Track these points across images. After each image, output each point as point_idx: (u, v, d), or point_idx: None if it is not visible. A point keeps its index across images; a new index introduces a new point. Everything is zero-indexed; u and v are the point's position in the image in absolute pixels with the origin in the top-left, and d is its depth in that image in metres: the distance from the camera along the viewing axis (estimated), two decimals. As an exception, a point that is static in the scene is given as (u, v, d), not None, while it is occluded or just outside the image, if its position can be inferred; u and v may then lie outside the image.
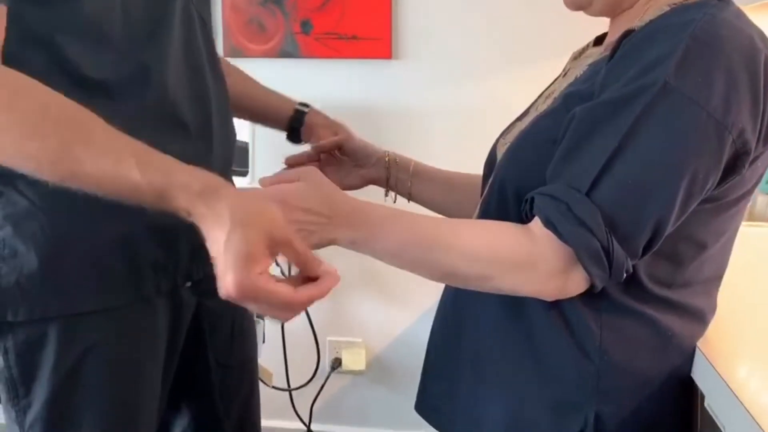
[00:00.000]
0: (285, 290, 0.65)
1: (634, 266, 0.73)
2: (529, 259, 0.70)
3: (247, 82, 1.13)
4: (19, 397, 0.82)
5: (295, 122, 1.11)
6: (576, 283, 0.70)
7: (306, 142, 1.12)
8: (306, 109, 1.11)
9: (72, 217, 0.79)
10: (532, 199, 0.71)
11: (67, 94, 0.72)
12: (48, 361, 0.81)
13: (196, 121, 0.89)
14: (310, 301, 0.67)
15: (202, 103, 0.92)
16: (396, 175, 1.03)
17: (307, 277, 0.68)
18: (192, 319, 0.95)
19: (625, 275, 0.69)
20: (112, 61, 0.80)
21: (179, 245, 0.87)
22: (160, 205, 0.66)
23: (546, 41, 1.72)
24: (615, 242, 0.67)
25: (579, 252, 0.67)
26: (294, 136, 1.12)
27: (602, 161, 0.67)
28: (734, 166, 0.69)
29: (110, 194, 0.66)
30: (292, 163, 1.04)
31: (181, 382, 0.96)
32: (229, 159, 0.99)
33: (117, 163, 0.65)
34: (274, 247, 0.65)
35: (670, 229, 0.69)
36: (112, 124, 0.74)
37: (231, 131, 1.00)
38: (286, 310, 0.66)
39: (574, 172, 0.69)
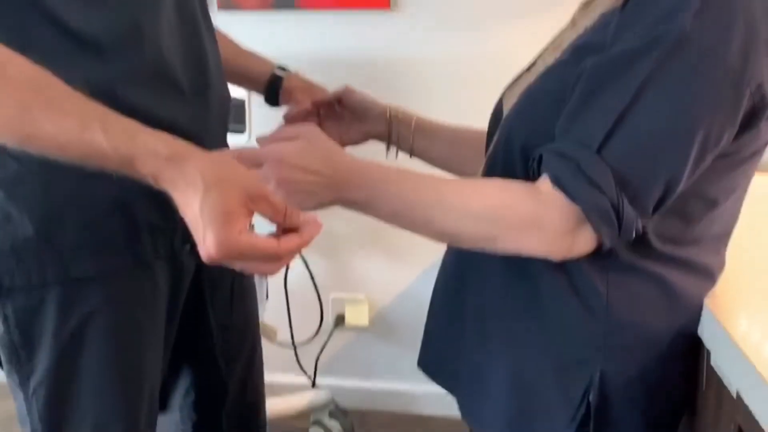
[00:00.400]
0: (268, 242, 0.65)
1: (643, 224, 0.71)
2: (535, 220, 0.68)
3: (223, 42, 1.07)
4: (21, 362, 0.82)
5: (273, 86, 1.07)
6: (584, 242, 0.69)
7: (280, 104, 1.09)
8: (283, 74, 1.07)
9: (66, 181, 0.77)
10: (540, 156, 0.69)
11: (55, 48, 0.70)
12: (49, 326, 0.80)
13: (192, 81, 0.86)
14: (296, 250, 0.67)
15: (199, 62, 0.89)
16: (398, 131, 1.01)
17: (288, 230, 0.68)
18: (192, 281, 0.94)
19: (634, 234, 0.68)
20: (102, 17, 0.77)
21: (175, 209, 0.86)
22: (126, 170, 0.65)
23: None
24: (625, 201, 0.65)
25: (588, 212, 0.66)
26: (272, 100, 1.09)
27: (614, 117, 0.65)
28: (751, 120, 0.67)
29: (73, 159, 0.64)
30: (291, 118, 1.02)
31: (182, 344, 0.96)
32: (226, 118, 0.97)
33: (81, 126, 0.63)
34: (251, 203, 0.64)
35: (682, 186, 0.67)
36: (102, 85, 0.72)
37: (227, 89, 0.97)
38: (271, 262, 0.66)
39: (584, 129, 0.66)
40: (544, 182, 0.68)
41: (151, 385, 0.89)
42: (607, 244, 0.68)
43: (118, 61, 0.77)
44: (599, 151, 0.65)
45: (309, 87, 1.07)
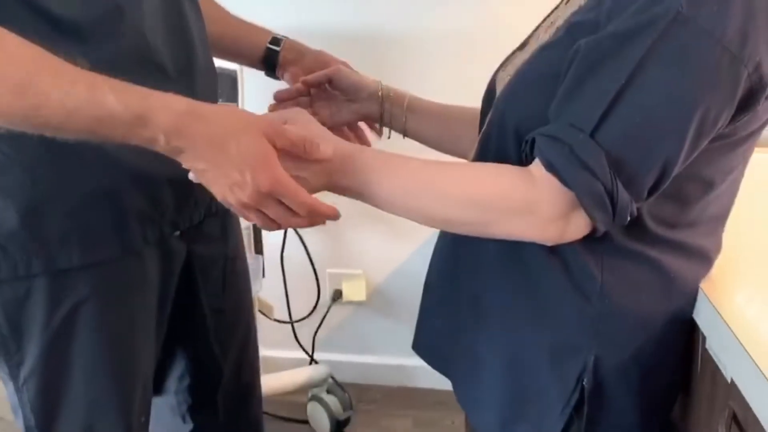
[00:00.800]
0: (307, 194, 0.68)
1: (638, 207, 0.70)
2: (528, 205, 0.67)
3: (212, 14, 1.01)
4: (11, 352, 0.81)
5: (269, 61, 1.04)
6: (577, 227, 0.68)
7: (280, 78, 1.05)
8: (278, 48, 1.03)
9: (51, 170, 0.76)
10: (533, 140, 0.67)
11: (33, 33, 0.68)
12: (38, 316, 0.80)
13: (176, 61, 0.84)
14: (328, 214, 0.70)
15: (183, 40, 0.87)
16: (390, 110, 0.99)
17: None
18: (183, 267, 0.93)
19: (629, 218, 0.66)
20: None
21: (164, 195, 0.85)
22: (138, 131, 0.63)
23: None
24: (619, 185, 0.64)
25: (582, 197, 0.64)
26: (272, 75, 1.06)
27: (608, 99, 0.63)
28: (748, 101, 0.65)
29: (80, 128, 0.63)
30: (281, 98, 1.00)
31: (175, 328, 0.96)
32: (214, 97, 0.95)
33: (90, 90, 0.62)
34: (276, 141, 0.66)
35: (678, 169, 0.66)
36: (88, 68, 0.70)
37: (213, 66, 0.95)
38: (305, 213, 0.68)
39: (578, 111, 0.65)
40: (537, 167, 0.67)
41: (144, 372, 0.89)
42: (601, 229, 0.67)
43: (98, 45, 0.75)
44: (593, 134, 0.63)
45: (305, 59, 1.03)
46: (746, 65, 0.62)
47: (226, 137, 0.64)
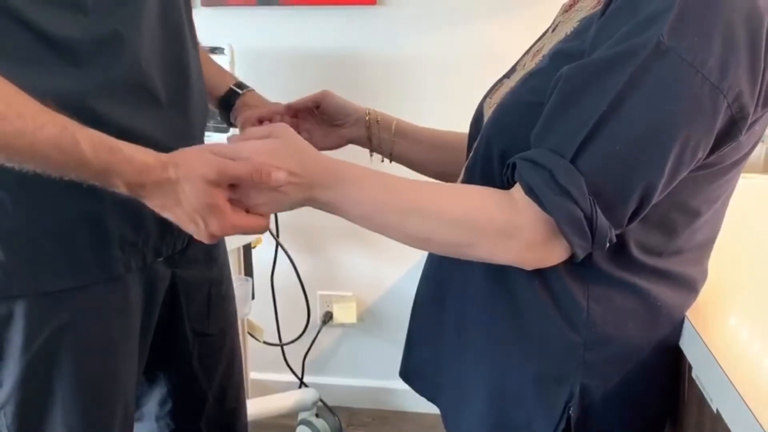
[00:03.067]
0: (252, 220, 0.73)
1: (622, 235, 0.70)
2: (508, 228, 0.67)
3: None
4: None
5: (227, 102, 1.03)
6: (557, 252, 0.67)
7: (233, 124, 1.04)
8: (240, 91, 1.03)
9: (34, 195, 0.76)
10: (514, 164, 0.67)
11: (28, 54, 0.70)
12: (17, 340, 0.79)
13: (171, 91, 0.84)
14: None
15: (180, 71, 0.87)
16: (378, 135, 0.99)
17: None
18: (167, 291, 0.92)
19: (608, 244, 0.66)
20: (81, 23, 0.74)
21: (147, 222, 0.84)
22: (100, 179, 0.68)
23: (538, -17, 1.64)
24: (599, 211, 0.64)
25: (561, 222, 0.64)
26: (224, 116, 1.05)
27: (589, 125, 0.63)
28: (730, 131, 0.65)
29: (41, 167, 0.66)
30: (265, 118, 0.99)
31: (158, 353, 0.95)
32: (203, 127, 0.95)
33: (59, 135, 0.65)
34: (220, 182, 0.69)
35: (657, 198, 0.66)
36: (73, 96, 0.72)
37: (204, 93, 0.95)
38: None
39: (558, 137, 0.65)
40: (518, 191, 0.67)
41: (125, 397, 0.88)
42: (580, 254, 0.66)
43: (93, 68, 0.75)
44: (573, 160, 0.63)
45: (261, 106, 1.01)
46: (726, 96, 0.62)
47: (176, 189, 0.69)
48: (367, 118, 0.98)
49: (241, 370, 1.10)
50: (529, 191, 0.65)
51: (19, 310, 0.78)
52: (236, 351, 1.08)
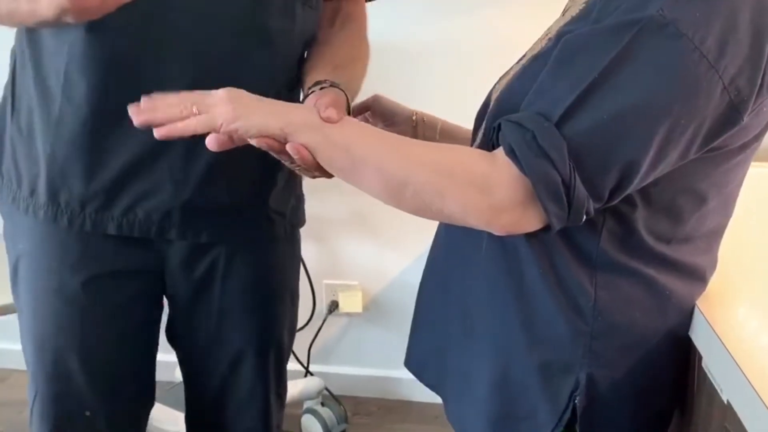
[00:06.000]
0: None
1: (630, 221, 0.69)
2: (485, 182, 0.65)
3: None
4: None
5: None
6: (531, 219, 0.65)
7: None
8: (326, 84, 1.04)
9: None
10: (500, 125, 0.66)
11: None
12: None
13: None
14: None
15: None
16: (423, 134, 0.99)
17: None
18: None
19: (585, 217, 0.64)
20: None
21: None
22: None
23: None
24: (577, 179, 0.62)
25: (537, 185, 0.62)
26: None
27: (577, 92, 0.61)
28: (729, 116, 0.63)
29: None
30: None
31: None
32: None
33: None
34: None
35: (641, 178, 0.64)
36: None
37: None
38: None
39: (547, 101, 0.63)
40: (500, 151, 0.65)
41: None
42: (555, 223, 0.64)
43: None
44: (558, 124, 0.62)
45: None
46: (722, 76, 0.60)
47: None
48: (414, 118, 0.98)
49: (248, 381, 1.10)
50: (510, 151, 0.64)
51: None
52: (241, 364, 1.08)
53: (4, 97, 0.96)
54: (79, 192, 0.89)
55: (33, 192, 0.91)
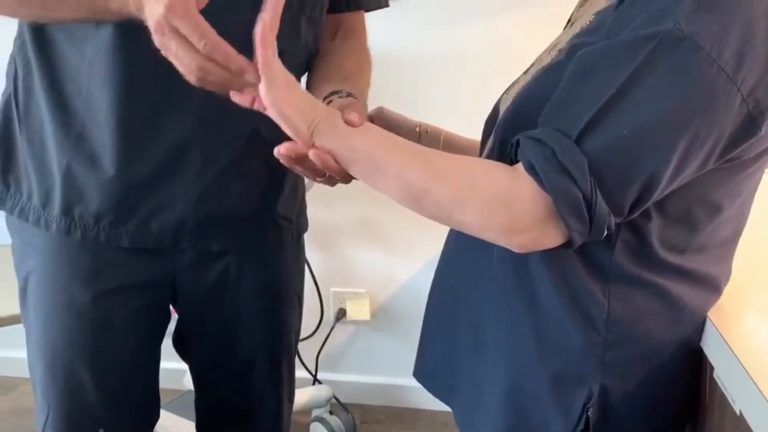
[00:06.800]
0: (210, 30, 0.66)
1: (644, 232, 0.68)
2: (506, 197, 0.65)
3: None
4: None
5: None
6: (551, 236, 0.65)
7: None
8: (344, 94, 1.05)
9: None
10: (518, 141, 0.66)
11: None
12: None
13: None
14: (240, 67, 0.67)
15: None
16: (428, 145, 0.98)
17: None
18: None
19: (606, 232, 0.64)
20: None
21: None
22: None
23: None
24: (599, 195, 0.62)
25: (559, 202, 0.62)
26: None
27: (596, 107, 0.61)
28: (748, 128, 0.63)
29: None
30: None
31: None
32: None
33: None
34: None
35: (661, 190, 0.64)
36: None
37: None
38: (205, 49, 0.65)
39: (565, 117, 0.63)
40: (521, 167, 0.65)
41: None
42: (576, 239, 0.64)
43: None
44: (578, 140, 0.62)
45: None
46: (740, 88, 0.60)
47: None
48: (417, 129, 0.98)
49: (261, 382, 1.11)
50: (530, 168, 0.63)
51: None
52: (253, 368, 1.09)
53: (6, 105, 0.95)
54: (95, 207, 0.90)
55: (45, 205, 0.92)
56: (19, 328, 1.04)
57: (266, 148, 0.73)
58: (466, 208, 0.66)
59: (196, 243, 0.94)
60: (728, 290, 0.77)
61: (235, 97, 0.69)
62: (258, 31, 0.65)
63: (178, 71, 0.68)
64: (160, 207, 0.91)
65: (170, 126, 0.87)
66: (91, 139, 0.88)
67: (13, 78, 0.93)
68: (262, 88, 0.67)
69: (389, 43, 1.75)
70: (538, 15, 1.64)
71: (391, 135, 0.72)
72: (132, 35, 0.77)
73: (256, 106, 0.69)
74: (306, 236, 1.10)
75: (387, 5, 1.06)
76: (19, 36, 0.91)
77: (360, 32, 1.04)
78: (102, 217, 0.90)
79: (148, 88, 0.85)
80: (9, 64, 0.94)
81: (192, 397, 1.10)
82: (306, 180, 1.14)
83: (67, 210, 0.91)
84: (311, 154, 0.69)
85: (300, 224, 1.07)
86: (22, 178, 0.94)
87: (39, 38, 0.88)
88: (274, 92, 0.67)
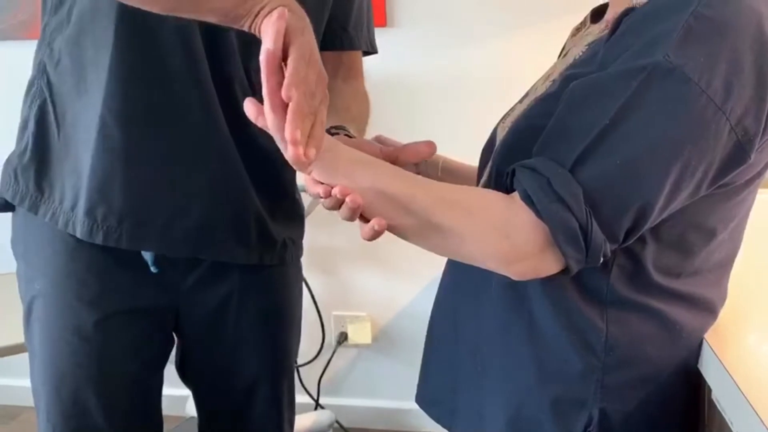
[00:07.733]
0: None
1: (639, 257, 0.70)
2: (504, 226, 0.66)
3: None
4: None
5: None
6: (548, 264, 0.66)
7: None
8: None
9: None
10: (514, 171, 0.67)
11: None
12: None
13: None
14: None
15: None
16: (425, 170, 1.00)
17: None
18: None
19: (602, 259, 0.66)
20: None
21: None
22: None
23: (550, 1, 1.64)
24: (594, 224, 0.63)
25: (555, 230, 0.64)
26: None
27: (590, 137, 0.63)
28: (737, 156, 0.65)
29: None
30: None
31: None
32: None
33: None
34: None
35: (655, 217, 0.65)
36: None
37: None
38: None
39: (559, 147, 0.65)
40: (517, 195, 0.67)
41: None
42: (573, 266, 0.66)
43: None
44: (572, 169, 0.64)
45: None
46: (729, 118, 0.62)
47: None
48: None
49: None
50: (525, 197, 0.65)
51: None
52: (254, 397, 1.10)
53: (41, 111, 0.95)
54: (118, 207, 0.92)
55: (74, 206, 0.93)
56: (21, 357, 1.05)
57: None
58: (465, 237, 0.68)
59: (209, 253, 0.97)
60: (724, 312, 0.78)
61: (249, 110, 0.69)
62: (263, 59, 0.66)
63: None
64: (179, 211, 0.93)
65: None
66: (115, 141, 0.90)
67: (45, 80, 0.94)
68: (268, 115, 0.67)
69: (387, 69, 1.77)
70: (535, 40, 1.67)
71: (391, 166, 0.73)
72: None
73: (260, 124, 0.69)
74: (307, 260, 1.12)
75: (376, 52, 1.12)
76: (48, 44, 0.93)
77: (360, 73, 1.08)
78: (125, 218, 0.92)
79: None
80: (37, 66, 0.96)
81: (194, 424, 1.10)
82: (306, 204, 1.15)
83: (90, 211, 0.92)
84: (338, 191, 0.67)
85: (300, 244, 1.09)
86: (56, 182, 0.95)
87: (69, 44, 0.90)
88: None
